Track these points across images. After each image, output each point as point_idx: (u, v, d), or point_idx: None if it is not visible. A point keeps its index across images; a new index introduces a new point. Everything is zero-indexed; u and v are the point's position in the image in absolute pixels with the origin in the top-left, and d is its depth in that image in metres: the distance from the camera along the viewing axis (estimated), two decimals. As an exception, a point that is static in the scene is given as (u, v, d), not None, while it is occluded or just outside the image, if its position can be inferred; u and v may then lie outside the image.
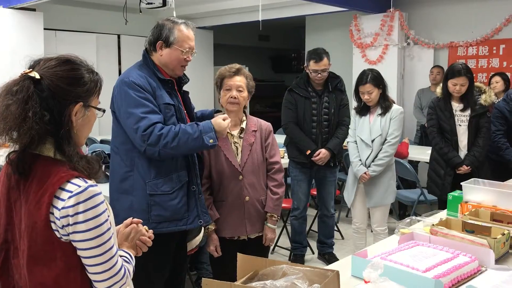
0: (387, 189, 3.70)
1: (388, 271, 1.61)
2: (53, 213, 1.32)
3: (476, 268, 1.85)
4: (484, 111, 3.80)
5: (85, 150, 4.24)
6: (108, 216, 1.38)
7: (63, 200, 1.31)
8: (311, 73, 4.02)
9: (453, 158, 3.79)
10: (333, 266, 1.94)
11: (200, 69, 8.26)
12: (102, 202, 1.35)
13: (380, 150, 3.63)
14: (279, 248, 4.68)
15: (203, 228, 2.71)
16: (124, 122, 2.34)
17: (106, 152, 3.70)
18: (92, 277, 1.36)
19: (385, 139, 3.63)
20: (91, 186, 1.34)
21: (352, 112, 3.89)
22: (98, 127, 6.93)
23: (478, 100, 3.80)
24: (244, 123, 2.76)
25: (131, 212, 2.29)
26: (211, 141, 2.33)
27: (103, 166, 3.31)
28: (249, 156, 2.70)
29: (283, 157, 4.46)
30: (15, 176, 1.38)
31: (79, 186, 1.32)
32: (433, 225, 2.17)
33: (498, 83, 5.33)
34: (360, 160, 3.70)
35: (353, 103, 3.90)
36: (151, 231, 1.68)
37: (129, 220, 1.65)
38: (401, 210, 5.52)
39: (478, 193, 2.58)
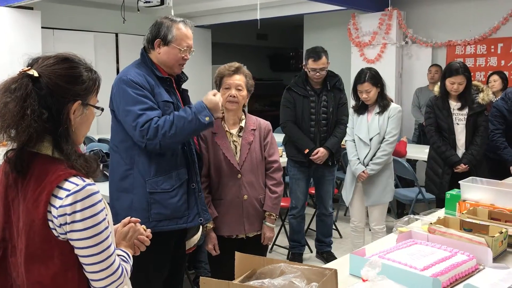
0: (385, 188, 3.70)
1: (386, 269, 1.61)
2: (50, 212, 1.32)
3: (474, 266, 1.86)
4: (482, 110, 3.80)
5: (83, 148, 4.22)
6: (106, 215, 1.37)
7: (60, 198, 1.30)
8: (309, 71, 4.02)
9: (451, 157, 3.80)
10: (331, 265, 1.94)
11: (198, 68, 8.25)
12: (100, 201, 1.34)
13: (378, 148, 3.64)
14: (277, 247, 4.68)
15: (201, 226, 2.70)
16: (123, 120, 2.33)
17: (104, 151, 3.70)
18: (89, 276, 1.36)
19: (383, 138, 3.64)
20: (89, 184, 1.33)
21: (350, 111, 3.89)
22: (96, 126, 6.91)
23: (476, 98, 3.80)
24: (243, 121, 2.76)
25: (131, 211, 2.29)
26: (207, 118, 2.30)
27: (101, 165, 3.31)
28: (248, 154, 2.70)
29: (281, 156, 4.45)
30: (13, 174, 1.37)
31: (77, 185, 1.31)
32: (431, 223, 2.17)
33: (496, 82, 5.33)
34: (358, 158, 3.70)
35: (351, 102, 3.90)
36: (149, 230, 1.67)
37: (127, 219, 1.65)
38: (399, 209, 5.53)
39: (476, 191, 2.58)
